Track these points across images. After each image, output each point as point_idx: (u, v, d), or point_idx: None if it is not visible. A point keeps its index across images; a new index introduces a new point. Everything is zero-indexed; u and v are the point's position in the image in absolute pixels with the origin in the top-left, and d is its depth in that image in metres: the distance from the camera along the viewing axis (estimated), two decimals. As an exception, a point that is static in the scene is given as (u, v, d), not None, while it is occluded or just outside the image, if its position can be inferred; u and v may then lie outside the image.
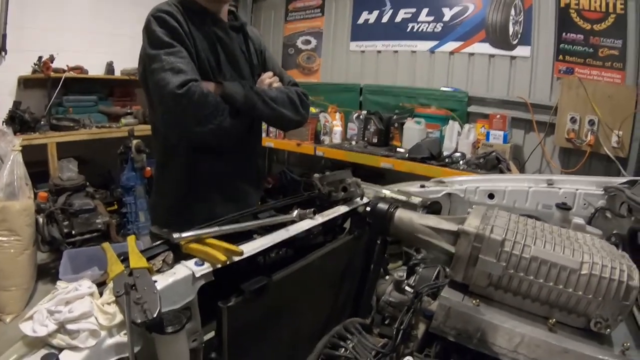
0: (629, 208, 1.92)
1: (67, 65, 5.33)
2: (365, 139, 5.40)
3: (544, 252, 1.12)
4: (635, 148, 4.27)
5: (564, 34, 4.78)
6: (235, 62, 2.04)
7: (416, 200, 1.84)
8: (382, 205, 1.50)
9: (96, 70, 5.78)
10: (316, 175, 1.67)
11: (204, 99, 1.73)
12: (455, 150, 4.66)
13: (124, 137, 5.02)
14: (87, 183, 4.86)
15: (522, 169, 4.83)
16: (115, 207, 5.12)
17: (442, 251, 1.30)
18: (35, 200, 4.19)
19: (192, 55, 1.83)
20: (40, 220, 4.19)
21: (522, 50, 5.05)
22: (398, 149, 4.96)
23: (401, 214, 1.47)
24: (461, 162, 4.40)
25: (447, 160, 4.45)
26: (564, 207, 2.00)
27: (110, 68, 5.93)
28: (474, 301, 1.18)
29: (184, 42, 1.81)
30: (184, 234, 1.09)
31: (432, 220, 1.37)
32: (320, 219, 1.45)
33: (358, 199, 1.66)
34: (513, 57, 5.10)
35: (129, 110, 5.84)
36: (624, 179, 2.26)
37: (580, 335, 1.08)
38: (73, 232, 4.41)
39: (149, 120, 2.17)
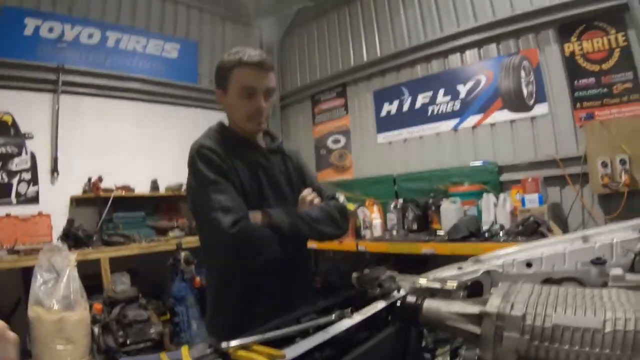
0: None
1: (115, 185, 5.92)
2: (405, 227, 5.54)
3: (565, 318, 1.17)
4: None
5: (576, 81, 4.96)
6: (276, 185, 2.19)
7: (451, 285, 1.91)
8: (411, 298, 1.60)
9: (142, 187, 6.34)
10: (354, 274, 1.82)
11: (254, 235, 1.90)
12: (494, 223, 4.70)
13: (173, 249, 5.41)
14: (140, 294, 5.15)
15: (565, 226, 4.79)
16: (168, 316, 5.33)
17: (469, 334, 1.38)
18: (90, 312, 4.53)
19: (237, 188, 1.99)
20: (96, 330, 4.53)
21: (540, 109, 5.22)
22: (438, 232, 5.07)
23: (429, 304, 1.55)
24: (501, 233, 4.43)
25: (486, 234, 4.51)
26: (598, 262, 1.99)
27: (155, 185, 6.47)
28: (506, 377, 1.30)
29: (228, 177, 1.97)
30: (232, 342, 1.21)
31: (457, 306, 1.46)
32: (358, 317, 1.50)
33: (395, 292, 1.73)
34: (533, 118, 5.27)
35: (175, 224, 6.30)
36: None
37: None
38: (128, 341, 4.66)
39: (202, 247, 2.34)
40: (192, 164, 2.02)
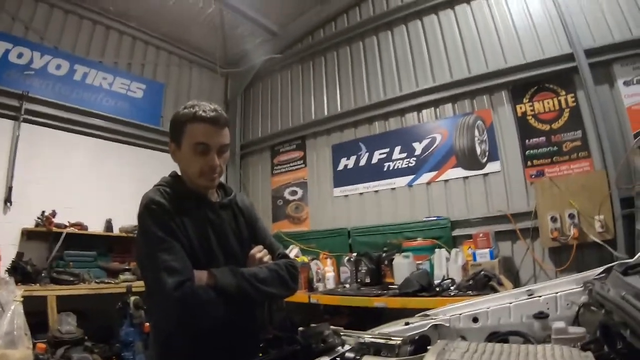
0: (598, 301, 1.90)
1: (69, 222, 5.63)
2: (358, 280, 5.39)
3: None
4: (620, 225, 4.33)
5: (527, 140, 5.10)
6: (225, 242, 2.10)
7: (395, 340, 1.84)
8: (350, 354, 1.61)
9: (96, 226, 6.04)
10: (300, 328, 1.74)
11: (198, 299, 1.81)
12: (445, 277, 4.61)
13: (123, 292, 5.12)
14: (86, 337, 4.84)
15: (516, 279, 4.82)
16: None
17: None
18: (33, 351, 4.14)
19: (185, 246, 1.91)
20: None
21: (492, 166, 5.30)
22: (390, 286, 4.93)
23: None
24: (452, 287, 4.34)
25: (437, 289, 4.39)
26: (540, 316, 2.03)
27: (109, 225, 6.19)
28: None
29: (176, 235, 1.89)
30: None
31: None
32: None
33: (339, 347, 1.72)
34: (485, 175, 5.35)
35: (127, 267, 5.96)
36: (600, 269, 2.23)
37: None
38: None
39: (146, 303, 2.31)
40: (141, 219, 1.92)
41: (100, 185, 6.25)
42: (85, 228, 5.85)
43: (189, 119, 1.95)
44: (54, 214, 5.43)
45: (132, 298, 4.93)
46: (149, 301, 2.15)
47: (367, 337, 1.88)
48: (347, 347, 1.74)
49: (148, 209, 1.90)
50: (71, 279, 5.20)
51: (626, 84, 4.62)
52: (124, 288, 5.18)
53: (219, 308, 1.86)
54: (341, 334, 1.81)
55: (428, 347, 1.52)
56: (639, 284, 1.70)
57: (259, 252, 2.16)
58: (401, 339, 1.86)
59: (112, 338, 5.29)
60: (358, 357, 1.54)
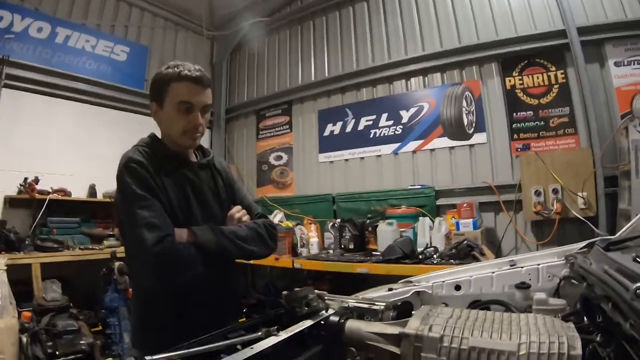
0: (581, 274, 1.93)
1: (52, 188, 5.51)
2: (342, 246, 5.40)
3: (481, 341, 1.18)
4: (602, 203, 4.40)
5: (514, 113, 5.08)
6: (205, 201, 2.11)
7: (379, 306, 1.86)
8: (334, 318, 1.59)
9: (79, 192, 5.95)
10: (284, 292, 1.74)
11: (179, 254, 1.82)
12: (428, 245, 4.65)
13: (107, 258, 5.06)
14: (71, 304, 4.80)
15: (498, 250, 4.86)
16: (100, 327, 5.02)
17: (389, 354, 1.36)
18: (19, 320, 4.06)
19: (164, 204, 1.91)
20: (24, 339, 4.06)
21: (479, 138, 5.28)
22: (374, 253, 4.94)
23: (351, 324, 1.54)
24: (435, 256, 4.36)
25: (420, 257, 4.42)
26: (522, 286, 2.07)
27: (92, 191, 6.08)
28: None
29: (155, 193, 1.89)
30: (155, 356, 1.15)
31: (377, 327, 1.45)
32: (284, 334, 1.46)
33: (323, 311, 1.70)
34: (471, 146, 5.33)
35: (110, 232, 5.88)
36: (583, 243, 2.26)
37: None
38: (57, 352, 4.23)
39: (127, 261, 2.28)
40: (119, 177, 1.91)
41: (84, 151, 6.10)
42: (69, 194, 5.74)
43: (173, 78, 1.95)
44: (36, 180, 5.28)
45: (117, 264, 4.87)
46: (130, 261, 2.16)
47: (351, 301, 1.91)
48: (330, 311, 1.71)
49: (127, 167, 1.89)
50: (55, 246, 5.15)
51: (617, 64, 4.62)
52: (108, 254, 5.12)
53: (199, 264, 1.88)
54: (325, 298, 1.78)
55: (412, 313, 1.55)
56: (620, 259, 1.74)
57: (237, 212, 2.18)
58: (384, 304, 1.89)
59: (97, 304, 5.27)
60: (342, 321, 1.54)
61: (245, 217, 2.19)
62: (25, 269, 4.70)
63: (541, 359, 1.08)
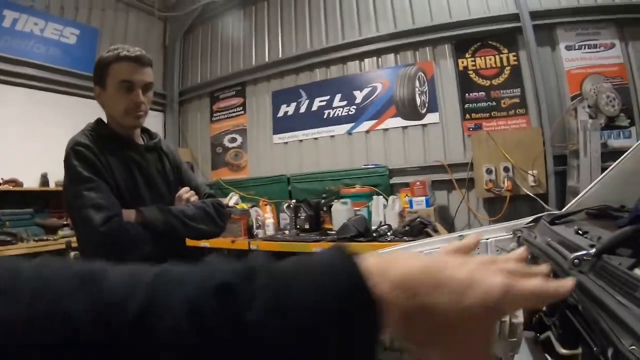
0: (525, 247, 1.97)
1: (2, 178, 5.26)
2: (298, 226, 5.36)
3: None
4: (552, 182, 4.55)
5: (467, 94, 5.15)
6: (152, 183, 2.12)
7: None
8: None
9: (31, 182, 5.66)
10: None
11: (126, 233, 1.84)
12: (382, 224, 4.68)
13: (62, 249, 4.96)
14: None
15: (451, 227, 4.94)
16: None
17: None
18: None
19: (112, 185, 1.93)
20: None
21: (431, 117, 5.32)
22: (329, 232, 4.93)
23: None
24: (388, 233, 4.39)
25: (374, 234, 4.45)
26: None
27: (44, 180, 5.82)
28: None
29: (102, 175, 1.91)
30: None
31: None
32: None
33: None
34: (424, 125, 5.38)
35: (65, 222, 5.64)
36: (530, 218, 2.30)
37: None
38: None
39: (78, 247, 2.20)
40: (66, 161, 1.94)
41: (35, 138, 5.76)
42: (21, 184, 5.46)
43: (112, 60, 1.98)
44: None
45: (72, 254, 4.72)
46: (79, 244, 2.13)
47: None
48: None
49: (74, 150, 1.92)
50: (9, 239, 4.89)
51: (568, 48, 4.78)
52: (63, 244, 5.00)
53: (147, 244, 1.89)
54: None
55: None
56: (563, 232, 1.79)
57: (185, 192, 2.20)
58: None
59: None
60: None
61: (193, 198, 2.21)
62: (-23, 265, 4.52)
63: None
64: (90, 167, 1.89)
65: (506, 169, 4.65)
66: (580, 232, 1.63)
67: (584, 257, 1.14)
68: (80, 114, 6.00)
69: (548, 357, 1.26)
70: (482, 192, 4.78)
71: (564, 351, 1.15)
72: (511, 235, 2.22)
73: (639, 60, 4.65)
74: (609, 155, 4.10)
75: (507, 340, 1.07)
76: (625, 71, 4.65)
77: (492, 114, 5.02)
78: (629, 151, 2.15)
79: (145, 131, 2.26)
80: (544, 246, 1.66)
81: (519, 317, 1.08)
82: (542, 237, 1.86)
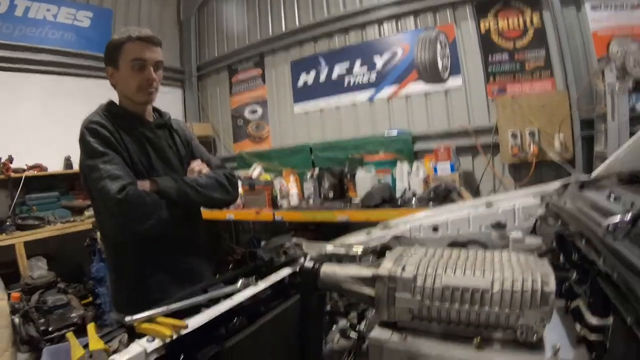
0: (555, 213, 1.97)
1: (27, 165, 5.33)
2: (322, 195, 5.37)
3: (454, 278, 1.20)
4: (579, 146, 4.45)
5: (489, 56, 4.99)
6: (164, 157, 2.22)
7: (356, 250, 1.88)
8: (309, 264, 1.62)
9: (55, 165, 5.77)
10: (262, 242, 1.78)
11: (142, 200, 1.92)
12: (407, 190, 4.67)
13: (89, 229, 5.06)
14: (59, 279, 4.85)
15: (476, 192, 4.90)
16: (90, 299, 5.08)
17: (365, 296, 1.40)
18: (9, 302, 4.06)
19: (126, 159, 2.03)
20: (17, 320, 4.06)
21: (454, 81, 5.20)
22: (353, 200, 4.93)
23: (326, 268, 1.57)
24: (413, 200, 4.38)
25: (399, 201, 4.45)
26: (498, 226, 2.12)
27: (68, 163, 5.88)
28: (402, 336, 1.27)
29: (116, 149, 2.00)
30: (135, 316, 1.19)
31: (352, 270, 1.49)
32: (262, 284, 1.52)
33: (301, 259, 1.72)
34: (447, 90, 5.26)
35: (90, 203, 5.74)
36: (557, 183, 2.29)
37: (511, 347, 1.14)
38: (50, 328, 4.28)
39: (96, 221, 2.39)
40: (82, 139, 2.02)
41: (56, 123, 5.77)
42: (45, 169, 5.55)
43: (124, 40, 2.07)
44: (10, 159, 5.10)
45: (99, 233, 4.87)
46: (97, 216, 2.29)
47: (329, 247, 1.95)
48: (308, 258, 1.76)
49: (88, 128, 2.01)
50: (36, 223, 5.07)
51: (594, 8, 4.54)
52: (90, 224, 5.13)
53: (163, 209, 1.98)
54: (302, 245, 1.82)
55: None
56: (595, 197, 1.78)
57: (197, 165, 2.30)
58: (362, 248, 1.93)
59: (84, 276, 5.30)
60: (317, 266, 1.59)
61: (205, 170, 2.30)
62: (9, 250, 4.68)
63: (514, 295, 1.10)
64: (104, 142, 1.98)
65: (532, 134, 4.54)
66: (612, 197, 1.63)
67: (619, 224, 1.12)
68: (98, 95, 6.05)
69: (578, 325, 1.25)
70: (507, 158, 4.70)
71: (594, 321, 1.15)
72: (539, 201, 2.22)
73: (670, 19, 4.41)
74: (638, 119, 4.04)
75: (539, 309, 1.09)
76: (655, 31, 4.42)
77: (516, 76, 4.87)
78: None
79: (156, 110, 2.35)
80: (575, 212, 1.66)
81: (550, 284, 1.09)
82: (573, 202, 1.86)
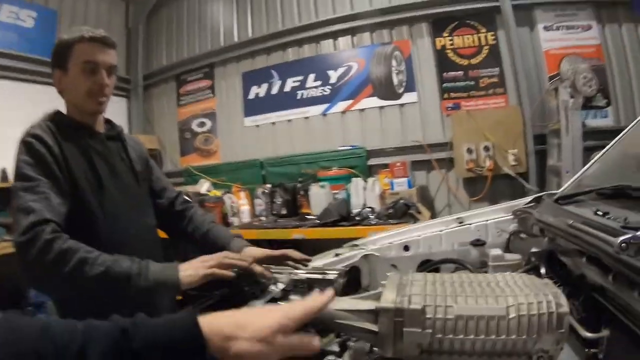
0: (540, 229, 1.92)
1: None
2: (274, 212, 5.22)
3: (467, 308, 1.11)
4: (532, 160, 4.59)
5: (444, 73, 5.06)
6: (116, 173, 1.96)
7: (332, 275, 1.75)
8: (294, 297, 1.53)
9: None
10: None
11: (48, 247, 1.47)
12: (364, 206, 4.61)
13: None
14: None
15: (431, 207, 4.91)
16: None
17: (365, 331, 1.23)
18: None
19: (62, 182, 1.70)
20: None
21: (409, 97, 5.23)
22: (308, 217, 4.80)
23: None
24: (372, 216, 4.31)
25: (357, 218, 4.35)
26: (478, 243, 2.11)
27: (4, 175, 5.38)
28: (409, 372, 1.16)
29: (50, 170, 1.68)
30: None
31: (348, 303, 1.29)
32: None
33: (272, 287, 1.60)
34: (402, 105, 5.27)
35: None
36: (529, 199, 2.27)
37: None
38: None
39: None
40: (16, 155, 1.75)
41: None
42: None
43: (76, 40, 1.84)
44: None
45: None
46: None
47: (301, 272, 1.82)
48: (280, 286, 1.64)
49: (24, 142, 1.72)
50: None
51: (546, 28, 4.82)
52: (27, 244, 4.77)
53: (75, 265, 1.49)
54: (272, 271, 1.70)
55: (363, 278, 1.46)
56: (581, 213, 1.73)
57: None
58: (337, 272, 1.81)
59: (22, 300, 4.90)
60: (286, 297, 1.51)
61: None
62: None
63: (532, 320, 1.03)
64: (37, 161, 1.68)
65: (486, 149, 4.65)
66: (600, 212, 1.58)
67: (631, 240, 1.07)
68: (40, 102, 5.57)
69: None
70: (462, 172, 4.77)
71: (589, 335, 1.13)
72: (511, 216, 2.19)
73: (615, 42, 4.72)
74: (588, 135, 4.19)
75: (555, 332, 1.02)
76: (602, 53, 4.72)
77: (470, 93, 4.99)
78: (626, 130, 2.13)
79: (108, 122, 2.11)
80: (568, 228, 1.60)
81: (564, 306, 1.02)
82: (557, 217, 1.81)
